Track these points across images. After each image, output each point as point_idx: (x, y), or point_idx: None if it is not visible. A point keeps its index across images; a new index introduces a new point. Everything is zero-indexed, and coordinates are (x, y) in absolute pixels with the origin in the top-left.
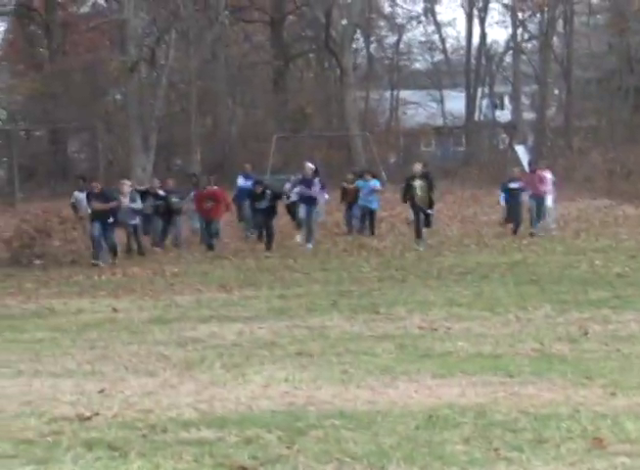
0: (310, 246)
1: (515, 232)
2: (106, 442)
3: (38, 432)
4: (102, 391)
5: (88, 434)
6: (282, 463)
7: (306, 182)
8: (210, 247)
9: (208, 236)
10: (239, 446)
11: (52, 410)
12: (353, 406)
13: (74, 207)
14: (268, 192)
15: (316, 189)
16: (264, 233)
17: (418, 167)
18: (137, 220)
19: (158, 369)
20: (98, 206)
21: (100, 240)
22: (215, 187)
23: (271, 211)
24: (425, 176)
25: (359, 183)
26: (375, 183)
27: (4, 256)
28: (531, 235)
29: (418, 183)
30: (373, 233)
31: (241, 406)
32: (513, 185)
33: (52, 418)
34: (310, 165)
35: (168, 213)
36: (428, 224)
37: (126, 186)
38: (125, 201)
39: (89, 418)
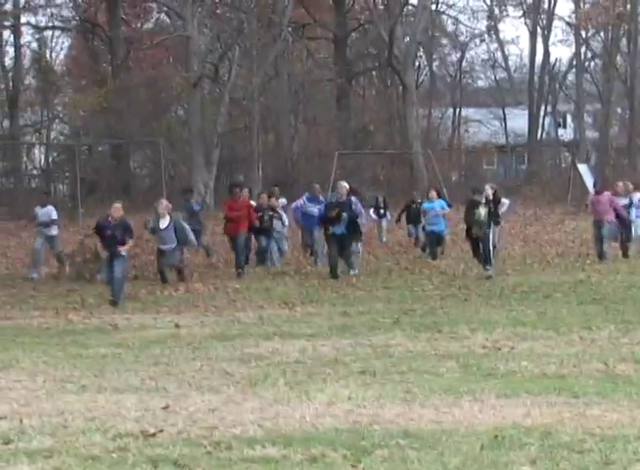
0: (353, 272)
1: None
2: (171, 459)
3: (104, 448)
4: (166, 407)
5: (153, 450)
6: None
7: (340, 204)
8: (241, 269)
9: (238, 254)
10: (304, 464)
11: (117, 426)
12: (418, 426)
13: (34, 220)
14: (344, 215)
15: (357, 210)
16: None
17: (485, 193)
18: (174, 245)
19: (221, 386)
20: (122, 247)
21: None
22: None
23: (348, 237)
24: (488, 203)
25: (425, 205)
26: (441, 205)
27: (67, 270)
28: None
29: (483, 211)
30: (435, 258)
31: (305, 424)
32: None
33: (117, 434)
34: (345, 185)
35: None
36: (485, 258)
37: (164, 206)
38: (164, 223)
39: (154, 435)
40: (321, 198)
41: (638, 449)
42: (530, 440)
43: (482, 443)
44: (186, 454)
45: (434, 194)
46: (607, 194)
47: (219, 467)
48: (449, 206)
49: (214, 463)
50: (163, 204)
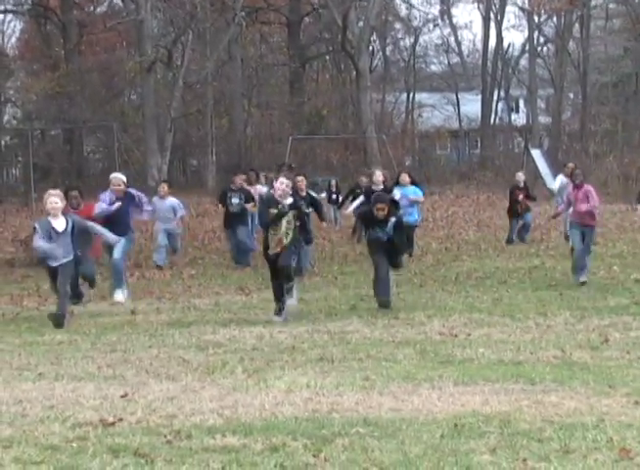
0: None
1: None
2: (131, 448)
3: (63, 437)
4: (124, 395)
5: (113, 440)
6: None
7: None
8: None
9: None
10: (265, 453)
11: (76, 415)
12: (377, 414)
13: None
14: (393, 219)
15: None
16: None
17: (282, 187)
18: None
19: (179, 373)
20: None
21: None
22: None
23: (400, 248)
24: (295, 206)
25: (395, 191)
26: (415, 192)
27: (21, 256)
28: (583, 283)
29: (284, 218)
30: (411, 255)
31: (265, 413)
32: None
33: (76, 423)
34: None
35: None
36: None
37: (59, 200)
38: (60, 224)
39: (113, 424)
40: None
41: (597, 438)
42: (490, 428)
43: (442, 431)
44: (146, 444)
45: (405, 178)
46: (587, 188)
47: (180, 457)
48: (423, 192)
49: (175, 453)
50: (55, 194)
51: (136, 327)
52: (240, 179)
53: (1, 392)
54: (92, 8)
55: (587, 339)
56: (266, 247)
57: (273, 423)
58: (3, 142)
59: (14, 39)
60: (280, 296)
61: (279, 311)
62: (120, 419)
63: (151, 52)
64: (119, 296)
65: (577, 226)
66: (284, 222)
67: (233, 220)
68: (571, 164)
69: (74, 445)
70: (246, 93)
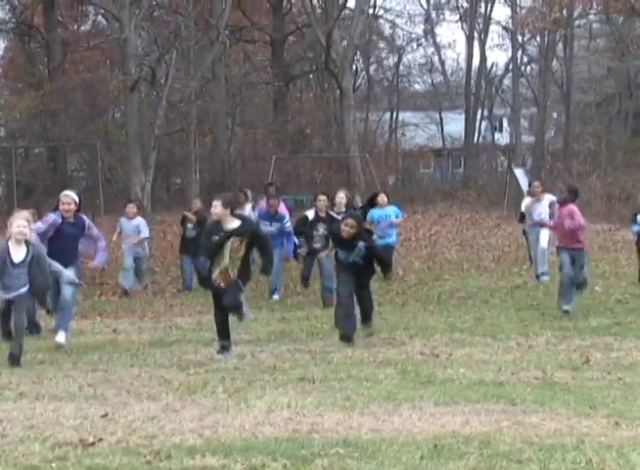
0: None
1: None
2: (111, 468)
3: (42, 457)
4: (105, 415)
5: (92, 460)
6: None
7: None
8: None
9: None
10: None
11: (56, 435)
12: (357, 434)
13: None
14: (362, 244)
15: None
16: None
17: (215, 211)
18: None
19: (160, 393)
20: None
21: None
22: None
23: (368, 271)
24: (241, 232)
25: (373, 214)
26: (396, 212)
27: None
28: (566, 312)
29: (226, 246)
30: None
31: (245, 433)
32: None
33: (56, 443)
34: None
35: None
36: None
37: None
38: (19, 253)
39: (93, 444)
40: (281, 212)
41: (576, 459)
42: (470, 449)
43: (422, 452)
44: (125, 464)
45: (384, 199)
46: (570, 207)
47: None
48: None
49: None
50: (22, 215)
51: (118, 346)
52: (197, 204)
53: None
54: (76, 26)
55: (569, 359)
56: (207, 277)
57: (253, 443)
58: None
59: None
60: (225, 332)
61: (222, 349)
62: (100, 439)
63: (134, 70)
64: (62, 337)
65: (566, 249)
66: (226, 251)
67: (189, 245)
68: (536, 183)
69: (54, 465)
70: (229, 112)
